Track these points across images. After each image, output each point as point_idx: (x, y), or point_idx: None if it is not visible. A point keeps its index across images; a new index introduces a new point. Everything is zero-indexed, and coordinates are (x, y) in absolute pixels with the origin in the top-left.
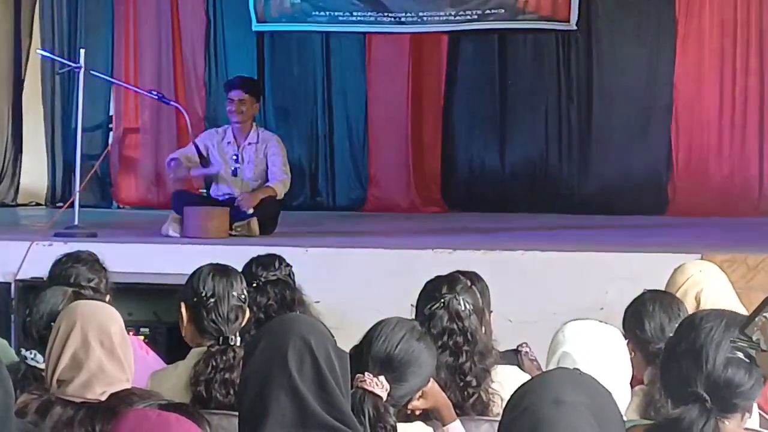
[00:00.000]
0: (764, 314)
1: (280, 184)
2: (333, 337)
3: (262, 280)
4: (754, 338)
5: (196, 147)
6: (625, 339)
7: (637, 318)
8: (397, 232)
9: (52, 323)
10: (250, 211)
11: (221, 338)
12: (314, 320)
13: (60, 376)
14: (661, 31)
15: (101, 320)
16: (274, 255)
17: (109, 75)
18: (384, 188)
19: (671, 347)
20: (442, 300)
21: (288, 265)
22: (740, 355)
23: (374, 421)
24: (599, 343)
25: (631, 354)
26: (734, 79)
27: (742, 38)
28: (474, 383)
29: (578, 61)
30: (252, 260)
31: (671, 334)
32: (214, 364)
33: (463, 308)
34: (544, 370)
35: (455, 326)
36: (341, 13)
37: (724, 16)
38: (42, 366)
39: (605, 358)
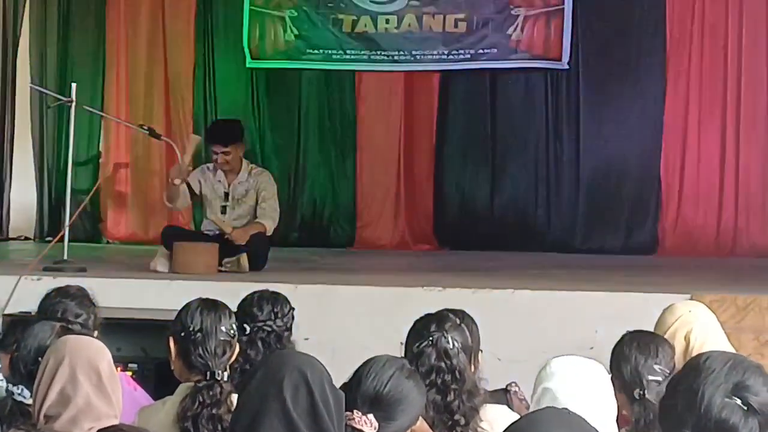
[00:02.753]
0: None
1: (270, 220)
2: (329, 375)
3: (255, 328)
4: None
5: (189, 186)
6: (612, 380)
7: (616, 361)
8: (388, 269)
9: (40, 358)
10: (243, 242)
11: (208, 373)
12: (312, 357)
13: (47, 412)
14: (651, 71)
15: (90, 355)
16: (277, 297)
17: (100, 109)
18: (375, 225)
19: (672, 385)
20: (431, 338)
21: (291, 309)
22: (738, 401)
23: None
24: (583, 380)
25: (617, 395)
26: (724, 120)
27: (732, 79)
28: (462, 422)
29: (568, 100)
30: (253, 299)
31: (649, 376)
32: (201, 399)
33: (451, 346)
34: (529, 406)
35: (443, 364)
36: (335, 51)
37: (714, 57)
38: (29, 401)
39: (589, 395)
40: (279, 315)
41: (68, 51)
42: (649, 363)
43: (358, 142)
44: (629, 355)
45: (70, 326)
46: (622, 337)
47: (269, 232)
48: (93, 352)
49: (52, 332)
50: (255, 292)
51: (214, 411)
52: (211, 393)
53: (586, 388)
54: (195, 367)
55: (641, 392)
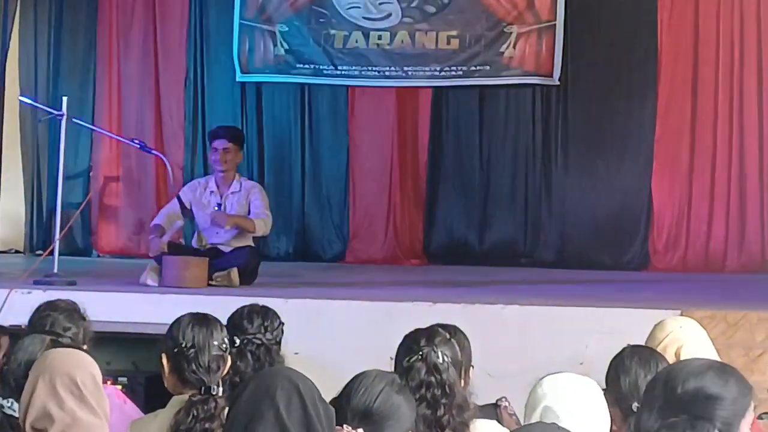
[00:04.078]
0: None
1: (260, 221)
2: (319, 392)
3: (245, 340)
4: None
5: (179, 199)
6: (606, 394)
7: (614, 373)
8: (378, 284)
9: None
10: (227, 227)
11: (203, 388)
12: (302, 373)
13: (34, 425)
14: (642, 87)
15: (69, 369)
16: (266, 311)
17: (90, 123)
18: (365, 240)
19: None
20: (421, 352)
21: (280, 323)
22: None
23: None
24: (578, 396)
25: (611, 409)
26: (715, 137)
27: (724, 97)
28: None
29: (559, 116)
30: (243, 312)
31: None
32: (194, 413)
33: (441, 361)
34: (523, 424)
35: (433, 379)
36: (326, 66)
37: (705, 75)
38: (17, 414)
39: (584, 411)
40: (269, 328)
41: (59, 64)
42: (648, 378)
43: (350, 156)
44: (630, 368)
45: (59, 339)
46: (623, 350)
47: (257, 233)
48: (72, 366)
49: (42, 346)
50: (245, 306)
51: (207, 425)
52: (205, 407)
53: (583, 405)
54: (189, 382)
55: (639, 405)
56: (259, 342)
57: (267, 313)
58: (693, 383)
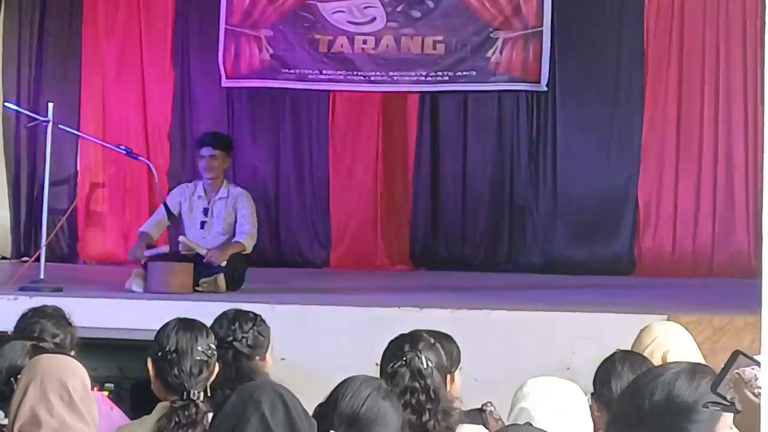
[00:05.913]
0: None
1: (248, 238)
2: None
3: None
4: (729, 397)
5: (166, 206)
6: (594, 398)
7: (605, 377)
8: (364, 289)
9: (12, 378)
10: (224, 263)
11: (184, 393)
12: (284, 386)
13: (22, 430)
14: (629, 93)
15: (60, 374)
16: (240, 314)
17: (76, 129)
18: (351, 245)
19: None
20: (404, 358)
21: (254, 326)
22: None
23: None
24: (558, 400)
25: (597, 413)
26: (701, 141)
27: (710, 102)
28: None
29: (546, 121)
30: (220, 317)
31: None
32: (176, 419)
33: (425, 366)
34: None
35: (417, 384)
36: (311, 71)
37: (691, 80)
38: (4, 421)
39: (564, 415)
40: (238, 332)
41: (43, 69)
42: None
43: (335, 161)
44: (621, 373)
45: (43, 345)
46: (613, 355)
47: (248, 250)
48: (64, 371)
49: (22, 352)
50: (222, 313)
51: (189, 431)
52: (186, 413)
53: (563, 409)
54: (172, 387)
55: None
56: (227, 346)
57: (239, 316)
58: (660, 395)
